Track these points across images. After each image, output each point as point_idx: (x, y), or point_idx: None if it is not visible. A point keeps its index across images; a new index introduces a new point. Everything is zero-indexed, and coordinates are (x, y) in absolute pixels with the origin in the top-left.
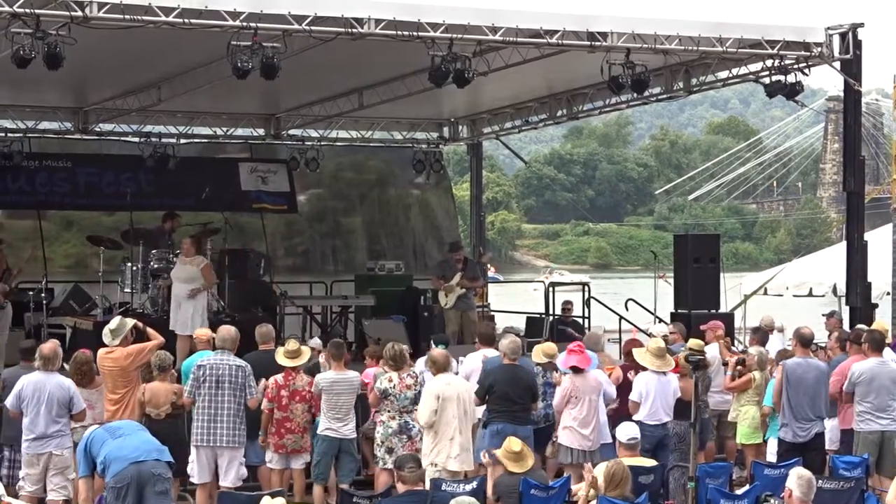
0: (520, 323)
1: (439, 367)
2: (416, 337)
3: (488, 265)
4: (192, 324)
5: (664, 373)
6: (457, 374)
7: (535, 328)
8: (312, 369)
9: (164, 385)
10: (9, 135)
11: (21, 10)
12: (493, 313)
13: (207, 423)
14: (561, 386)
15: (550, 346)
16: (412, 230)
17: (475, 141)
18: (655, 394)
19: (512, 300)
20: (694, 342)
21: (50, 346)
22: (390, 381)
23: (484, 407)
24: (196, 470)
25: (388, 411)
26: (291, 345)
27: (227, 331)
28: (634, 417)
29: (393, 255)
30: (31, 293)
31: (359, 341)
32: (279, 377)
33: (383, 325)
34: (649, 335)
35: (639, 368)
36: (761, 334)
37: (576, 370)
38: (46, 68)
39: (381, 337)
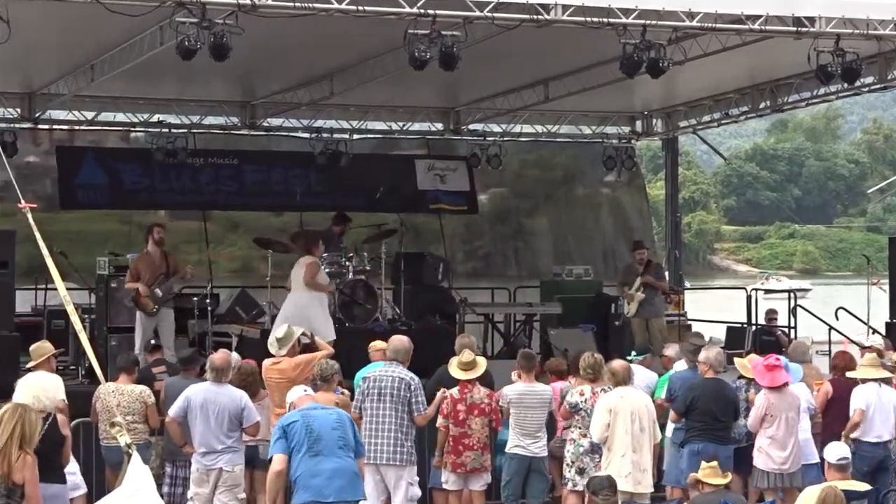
0: (720, 333)
1: (618, 380)
2: (607, 348)
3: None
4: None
5: (879, 383)
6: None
7: (736, 339)
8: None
9: (326, 395)
10: (173, 130)
11: None
12: (689, 322)
13: (370, 440)
14: (755, 404)
15: (755, 359)
16: (602, 232)
17: (670, 135)
18: (875, 409)
19: (711, 308)
20: None
21: (221, 356)
22: (581, 394)
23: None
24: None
25: (579, 428)
26: (466, 356)
27: (400, 341)
28: (852, 435)
29: (581, 258)
30: (195, 299)
31: (544, 352)
32: (454, 391)
33: (571, 335)
34: (861, 347)
35: (854, 383)
36: None
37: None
38: (213, 60)
39: (569, 348)
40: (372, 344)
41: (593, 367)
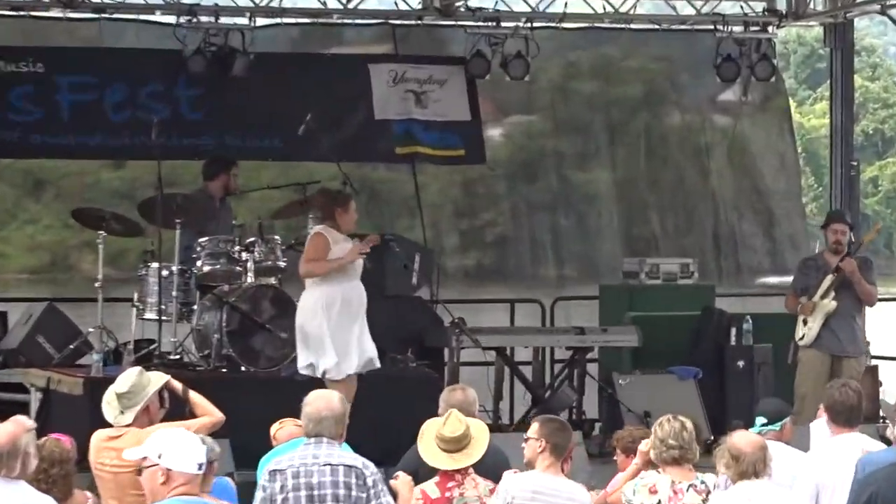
0: None
1: (744, 468)
2: (723, 409)
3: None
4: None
5: None
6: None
7: None
8: None
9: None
10: None
11: None
12: (875, 362)
13: None
14: None
15: None
16: (712, 196)
17: (839, 18)
18: None
19: None
20: None
21: (9, 431)
22: (653, 491)
23: None
24: None
25: None
26: (451, 425)
27: (326, 402)
28: None
29: (674, 246)
30: None
31: (608, 418)
32: (429, 487)
33: (658, 386)
34: None
35: None
36: None
37: None
38: None
39: (652, 410)
40: (277, 426)
41: (678, 437)
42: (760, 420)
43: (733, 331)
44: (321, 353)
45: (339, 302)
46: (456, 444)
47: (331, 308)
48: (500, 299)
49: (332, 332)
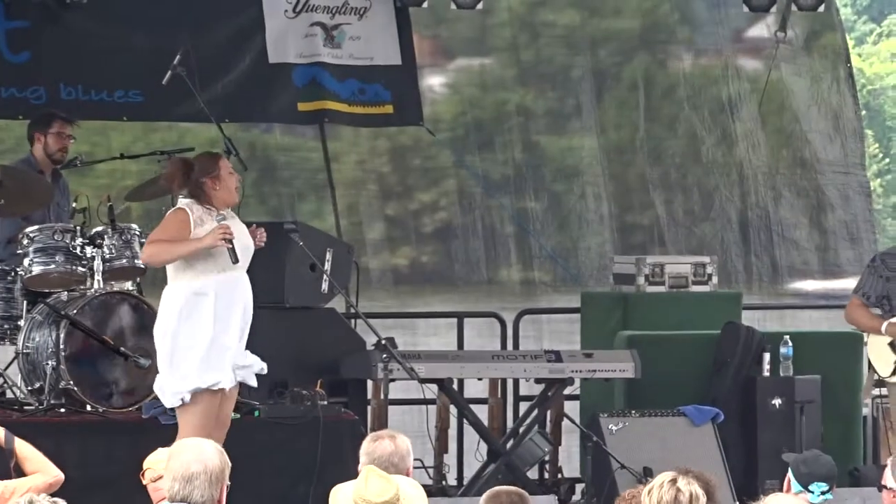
0: None
1: None
2: (753, 464)
3: None
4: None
5: None
6: None
7: None
8: None
9: None
10: None
11: None
12: None
13: None
14: None
15: None
16: (738, 170)
17: None
18: None
19: None
20: None
21: None
22: None
23: None
24: None
25: None
26: (376, 486)
27: (198, 453)
28: None
29: (685, 239)
30: None
31: (594, 478)
32: None
33: (661, 433)
34: None
35: None
36: None
37: None
38: None
39: (654, 465)
40: (149, 461)
41: None
42: (819, 486)
43: (767, 357)
44: (179, 372)
45: (205, 300)
46: None
47: (192, 308)
48: (445, 313)
49: (192, 342)
